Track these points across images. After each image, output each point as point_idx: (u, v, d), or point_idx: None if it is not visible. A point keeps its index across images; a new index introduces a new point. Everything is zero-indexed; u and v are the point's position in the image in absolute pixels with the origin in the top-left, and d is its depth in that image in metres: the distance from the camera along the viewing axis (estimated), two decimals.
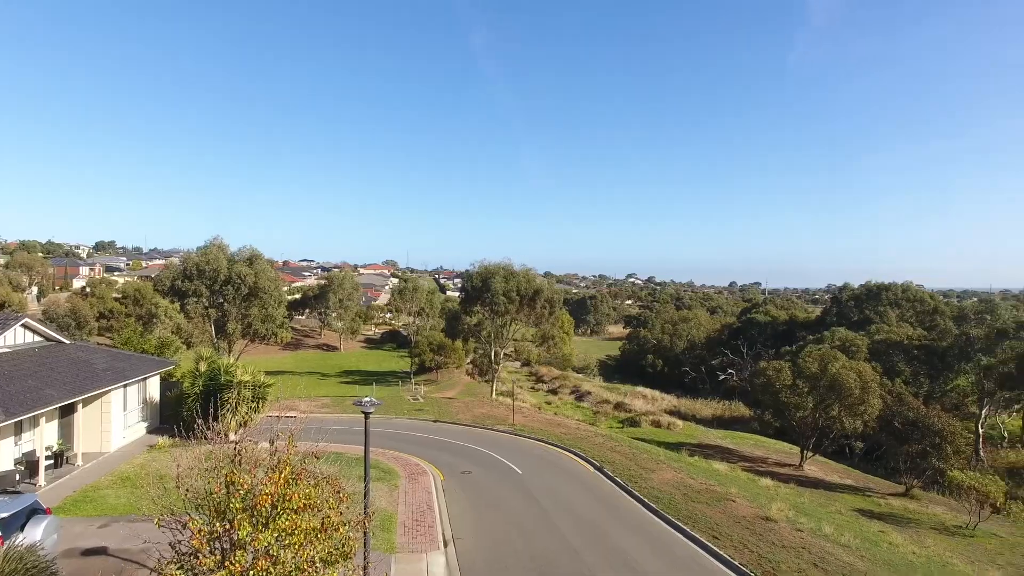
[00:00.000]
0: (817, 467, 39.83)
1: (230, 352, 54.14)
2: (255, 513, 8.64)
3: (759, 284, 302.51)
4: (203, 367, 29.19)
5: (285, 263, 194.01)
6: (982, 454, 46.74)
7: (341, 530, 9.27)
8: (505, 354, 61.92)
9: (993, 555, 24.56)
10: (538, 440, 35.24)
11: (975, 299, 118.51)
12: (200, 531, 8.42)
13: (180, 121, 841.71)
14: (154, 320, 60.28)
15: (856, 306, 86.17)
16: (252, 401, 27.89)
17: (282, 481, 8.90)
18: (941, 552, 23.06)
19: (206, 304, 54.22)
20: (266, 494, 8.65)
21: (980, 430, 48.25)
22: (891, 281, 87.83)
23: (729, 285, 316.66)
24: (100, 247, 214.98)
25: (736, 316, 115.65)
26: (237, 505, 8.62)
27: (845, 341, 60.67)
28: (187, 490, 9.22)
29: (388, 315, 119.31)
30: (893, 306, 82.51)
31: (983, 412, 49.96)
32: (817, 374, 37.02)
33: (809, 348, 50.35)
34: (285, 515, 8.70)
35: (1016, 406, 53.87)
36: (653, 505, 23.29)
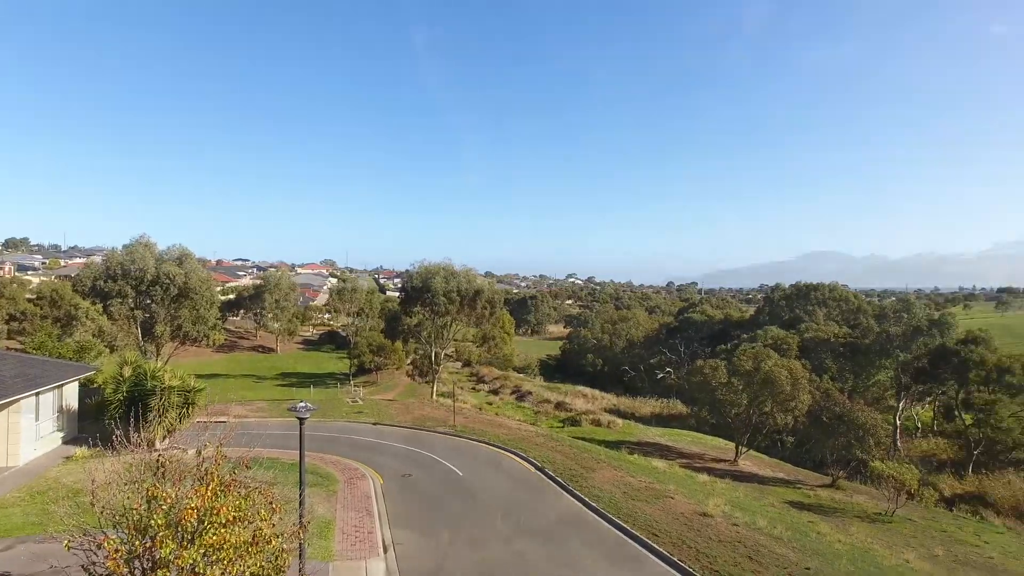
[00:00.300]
0: (751, 462, 41.23)
1: (158, 356, 51.46)
2: (179, 529, 8.12)
3: (695, 284, 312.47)
4: (127, 372, 27.51)
5: (219, 262, 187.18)
6: (899, 444, 49.70)
7: (274, 543, 8.84)
8: (446, 355, 61.38)
9: (908, 538, 26.15)
10: (479, 441, 35.04)
11: (893, 298, 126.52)
12: (117, 551, 7.83)
13: (103, 115, 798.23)
14: (74, 323, 56.53)
15: (787, 305, 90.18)
16: (181, 407, 26.53)
17: (209, 493, 8.40)
18: (864, 539, 24.28)
19: (132, 305, 51.34)
20: (191, 508, 8.14)
21: (898, 422, 51.24)
22: (819, 282, 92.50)
23: (667, 285, 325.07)
24: (11, 244, 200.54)
25: (674, 316, 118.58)
26: (159, 521, 8.07)
27: (777, 339, 63.26)
28: (103, 507, 8.57)
29: (326, 316, 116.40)
30: (821, 305, 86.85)
31: (900, 405, 53.10)
32: (751, 372, 38.37)
33: (743, 347, 52.21)
34: (213, 530, 8.20)
35: (928, 398, 57.64)
36: (594, 504, 23.48)
